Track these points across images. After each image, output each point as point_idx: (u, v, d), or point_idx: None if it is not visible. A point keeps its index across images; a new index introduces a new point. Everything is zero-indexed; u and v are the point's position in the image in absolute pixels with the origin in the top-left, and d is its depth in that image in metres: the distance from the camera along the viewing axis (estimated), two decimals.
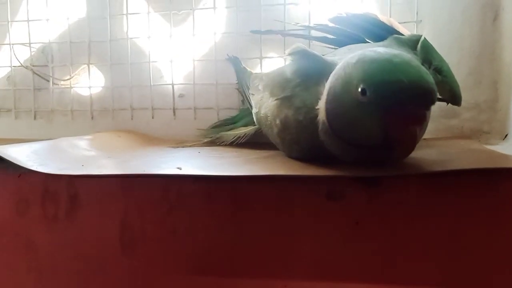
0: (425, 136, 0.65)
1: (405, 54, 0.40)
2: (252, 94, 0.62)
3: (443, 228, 0.43)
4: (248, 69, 0.71)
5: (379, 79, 0.37)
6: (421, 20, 0.67)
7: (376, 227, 0.44)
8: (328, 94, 0.43)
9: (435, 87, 0.37)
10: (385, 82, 0.37)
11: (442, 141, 0.62)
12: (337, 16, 0.61)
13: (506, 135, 0.61)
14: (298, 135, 0.49)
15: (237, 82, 0.74)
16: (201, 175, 0.45)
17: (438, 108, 0.68)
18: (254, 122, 0.62)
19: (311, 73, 0.48)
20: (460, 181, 0.43)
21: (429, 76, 0.37)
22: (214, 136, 0.70)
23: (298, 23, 0.67)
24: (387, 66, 0.37)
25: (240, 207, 0.46)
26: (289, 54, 0.51)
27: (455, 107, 0.67)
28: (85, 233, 0.50)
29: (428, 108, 0.37)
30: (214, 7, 0.75)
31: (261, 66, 0.74)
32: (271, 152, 0.57)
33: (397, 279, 0.44)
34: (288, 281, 0.45)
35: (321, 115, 0.44)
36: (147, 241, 0.48)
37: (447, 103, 0.54)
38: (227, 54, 0.74)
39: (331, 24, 0.62)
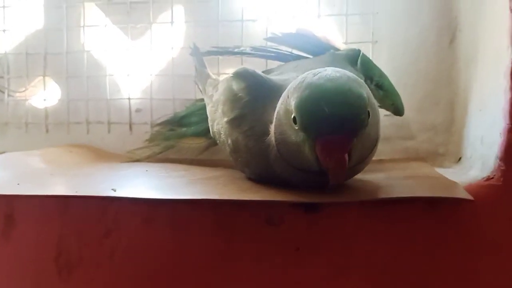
0: (381, 157, 0.66)
1: (345, 75, 0.39)
2: (207, 103, 0.61)
3: (383, 254, 0.42)
4: (206, 70, 0.68)
5: (304, 109, 0.37)
6: (377, 41, 0.67)
7: (316, 253, 0.43)
8: (275, 119, 0.42)
9: (361, 114, 0.37)
10: (308, 112, 0.37)
11: (395, 164, 0.61)
12: (272, 36, 0.63)
13: (460, 158, 0.60)
14: (248, 159, 0.48)
15: (195, 76, 0.71)
16: (134, 197, 0.43)
17: (395, 129, 0.68)
18: (206, 132, 0.62)
19: (259, 93, 0.47)
20: (400, 209, 0.42)
21: (359, 101, 0.37)
22: (166, 148, 0.69)
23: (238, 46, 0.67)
24: (315, 94, 0.37)
25: (178, 232, 0.44)
26: (235, 76, 0.50)
27: (412, 128, 0.68)
28: (21, 255, 0.48)
29: (352, 136, 0.36)
30: (172, 21, 0.74)
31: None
32: (218, 172, 0.56)
33: None
34: None
35: (272, 140, 0.43)
36: (84, 265, 0.46)
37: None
38: (193, 43, 0.71)
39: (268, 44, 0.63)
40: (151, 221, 0.45)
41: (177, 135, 0.70)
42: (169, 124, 0.73)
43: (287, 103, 0.40)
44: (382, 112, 0.64)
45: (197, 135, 0.67)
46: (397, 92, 0.54)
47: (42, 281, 0.47)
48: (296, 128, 0.38)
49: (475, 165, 0.53)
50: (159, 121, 0.74)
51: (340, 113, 0.36)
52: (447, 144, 0.66)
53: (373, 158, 0.64)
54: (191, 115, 0.71)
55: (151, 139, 0.73)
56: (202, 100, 0.68)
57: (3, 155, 0.60)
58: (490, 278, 0.41)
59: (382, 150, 0.67)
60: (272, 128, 0.43)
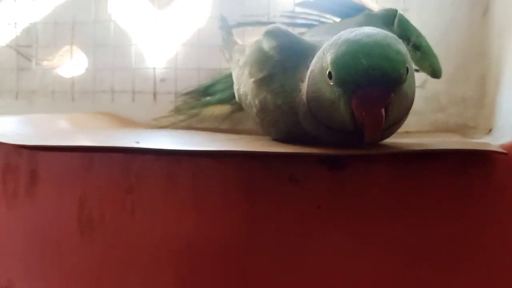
0: (409, 129, 0.64)
1: (383, 32, 0.38)
2: (233, 68, 0.59)
3: (411, 215, 0.40)
4: (233, 37, 0.68)
5: (340, 63, 0.36)
6: (407, 9, 0.65)
7: (340, 212, 0.42)
8: (308, 78, 0.41)
9: (400, 68, 0.35)
10: (345, 65, 0.35)
11: (423, 134, 0.60)
12: (304, 0, 0.62)
13: (491, 129, 0.58)
14: (276, 118, 0.47)
15: (222, 44, 0.71)
16: (155, 149, 0.43)
17: (423, 102, 0.66)
18: (230, 99, 0.60)
19: (290, 53, 0.46)
20: (431, 166, 0.40)
21: (397, 56, 0.35)
22: (191, 116, 0.69)
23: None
24: (352, 48, 0.36)
25: (200, 188, 0.44)
26: (266, 33, 0.49)
27: (441, 101, 0.66)
28: (44, 211, 0.47)
29: (390, 90, 0.35)
30: None
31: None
32: (242, 135, 0.55)
33: (361, 269, 0.41)
34: (246, 268, 0.43)
35: (304, 98, 0.42)
36: (105, 221, 0.46)
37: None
38: (221, 15, 0.70)
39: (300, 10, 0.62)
40: (173, 178, 0.44)
41: (202, 104, 0.70)
42: (195, 94, 0.73)
43: (322, 61, 0.38)
44: None
45: (221, 102, 0.67)
46: (434, 53, 0.52)
47: (64, 239, 0.47)
48: (331, 83, 0.37)
49: (506, 134, 0.51)
50: (184, 92, 0.74)
51: (379, 66, 0.34)
52: (477, 118, 0.64)
53: (399, 130, 0.63)
54: (217, 83, 0.70)
55: (177, 109, 0.73)
56: (229, 69, 0.68)
57: (29, 115, 0.61)
58: None
59: (409, 123, 0.65)
60: (304, 86, 0.42)
